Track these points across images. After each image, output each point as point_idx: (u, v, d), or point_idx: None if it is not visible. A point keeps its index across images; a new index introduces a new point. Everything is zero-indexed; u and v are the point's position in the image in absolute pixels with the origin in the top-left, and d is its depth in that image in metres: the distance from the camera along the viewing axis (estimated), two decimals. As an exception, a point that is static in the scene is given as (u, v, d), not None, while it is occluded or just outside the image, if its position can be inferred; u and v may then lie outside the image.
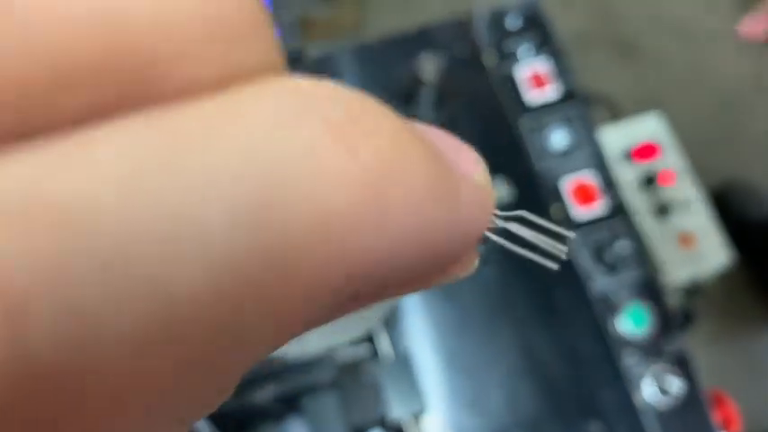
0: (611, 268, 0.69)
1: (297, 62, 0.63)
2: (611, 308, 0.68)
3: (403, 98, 0.66)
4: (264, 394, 0.51)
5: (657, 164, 0.76)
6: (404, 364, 0.53)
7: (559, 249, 0.12)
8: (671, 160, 0.76)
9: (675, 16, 1.57)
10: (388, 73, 0.68)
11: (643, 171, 0.75)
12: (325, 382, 0.52)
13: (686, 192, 0.74)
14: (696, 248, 0.72)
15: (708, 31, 1.54)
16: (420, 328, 0.62)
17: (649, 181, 0.74)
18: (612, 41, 1.54)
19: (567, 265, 0.66)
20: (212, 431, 0.46)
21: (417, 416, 0.54)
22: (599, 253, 0.69)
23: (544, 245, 0.12)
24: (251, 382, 0.51)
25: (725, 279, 0.81)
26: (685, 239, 0.72)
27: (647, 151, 0.76)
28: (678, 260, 0.71)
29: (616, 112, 0.86)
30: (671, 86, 1.48)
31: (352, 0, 1.43)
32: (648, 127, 0.77)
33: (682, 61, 1.51)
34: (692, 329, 0.74)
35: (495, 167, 0.64)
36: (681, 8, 1.58)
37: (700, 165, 0.81)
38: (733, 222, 0.92)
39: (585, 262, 0.68)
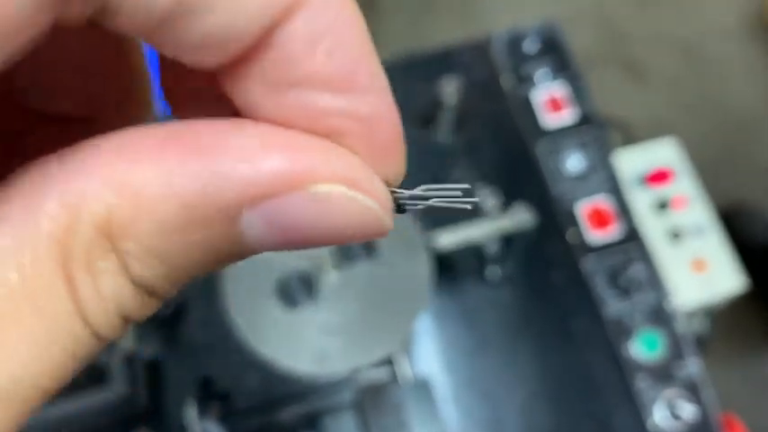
0: (625, 293, 0.69)
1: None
2: (624, 332, 0.68)
3: (422, 119, 0.67)
4: (287, 414, 0.51)
5: (670, 189, 0.76)
6: (424, 388, 0.53)
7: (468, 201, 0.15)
8: (684, 186, 0.77)
9: (684, 39, 1.58)
10: (406, 94, 0.69)
11: (656, 196, 0.76)
12: (346, 403, 0.52)
13: (699, 217, 0.75)
14: (708, 273, 0.72)
15: (718, 54, 1.55)
16: (438, 352, 0.63)
17: (662, 206, 0.74)
18: (620, 63, 1.55)
19: (583, 290, 0.66)
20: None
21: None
22: (613, 277, 0.69)
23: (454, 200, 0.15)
24: (276, 401, 0.51)
25: (733, 303, 0.81)
26: (698, 264, 0.72)
27: (660, 176, 0.77)
28: (691, 285, 0.72)
29: (629, 136, 0.86)
30: (679, 109, 1.49)
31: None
32: (662, 152, 0.78)
33: (690, 84, 1.52)
34: (703, 354, 0.74)
35: (513, 191, 0.64)
36: (689, 31, 1.59)
37: (707, 187, 0.82)
38: (739, 245, 0.93)
39: (600, 286, 0.69)
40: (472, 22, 1.58)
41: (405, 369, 0.56)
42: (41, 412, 0.51)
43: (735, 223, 1.06)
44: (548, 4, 1.51)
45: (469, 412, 0.61)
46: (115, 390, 0.52)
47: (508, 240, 0.60)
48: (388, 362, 0.54)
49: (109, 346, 0.53)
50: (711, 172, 1.01)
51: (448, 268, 0.64)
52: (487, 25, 1.52)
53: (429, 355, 0.62)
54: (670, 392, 0.68)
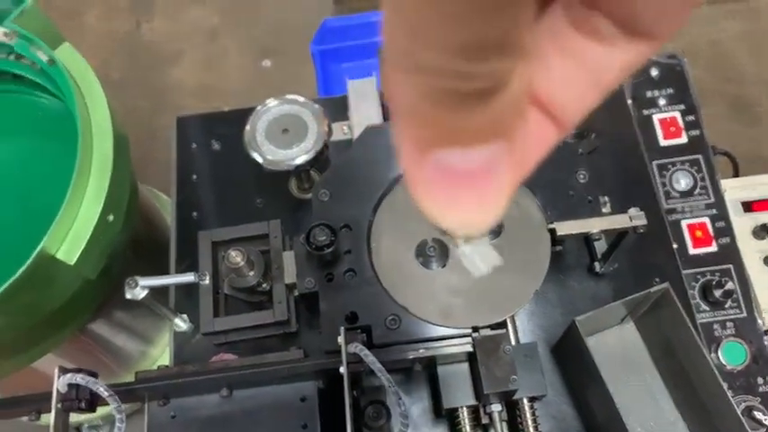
0: (716, 306, 0.75)
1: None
2: (711, 341, 0.75)
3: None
4: (413, 354, 0.60)
5: (769, 218, 0.82)
6: (533, 348, 0.61)
7: None
8: (784, 219, 0.82)
9: (794, 83, 1.60)
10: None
11: (756, 222, 0.81)
12: (463, 354, 0.61)
13: (795, 249, 0.80)
14: (798, 300, 0.77)
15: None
16: (533, 329, 0.71)
17: (762, 231, 0.80)
18: (727, 100, 1.58)
19: (683, 299, 0.72)
20: (380, 367, 0.55)
21: (534, 400, 0.62)
22: (707, 290, 0.75)
23: None
24: (405, 341, 0.60)
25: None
26: (789, 291, 0.78)
27: (761, 206, 0.82)
28: (780, 308, 0.77)
29: (734, 168, 0.92)
30: (781, 150, 1.51)
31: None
32: (765, 185, 0.84)
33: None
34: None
35: (627, 199, 0.72)
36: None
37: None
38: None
39: (693, 297, 0.75)
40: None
41: (515, 335, 0.64)
42: (219, 324, 0.63)
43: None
44: (663, 37, 1.56)
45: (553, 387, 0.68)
46: (277, 313, 0.63)
47: (618, 240, 0.67)
48: (502, 326, 0.63)
49: (275, 278, 0.64)
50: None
51: (558, 256, 0.72)
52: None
53: (526, 329, 0.71)
54: (749, 402, 0.73)
